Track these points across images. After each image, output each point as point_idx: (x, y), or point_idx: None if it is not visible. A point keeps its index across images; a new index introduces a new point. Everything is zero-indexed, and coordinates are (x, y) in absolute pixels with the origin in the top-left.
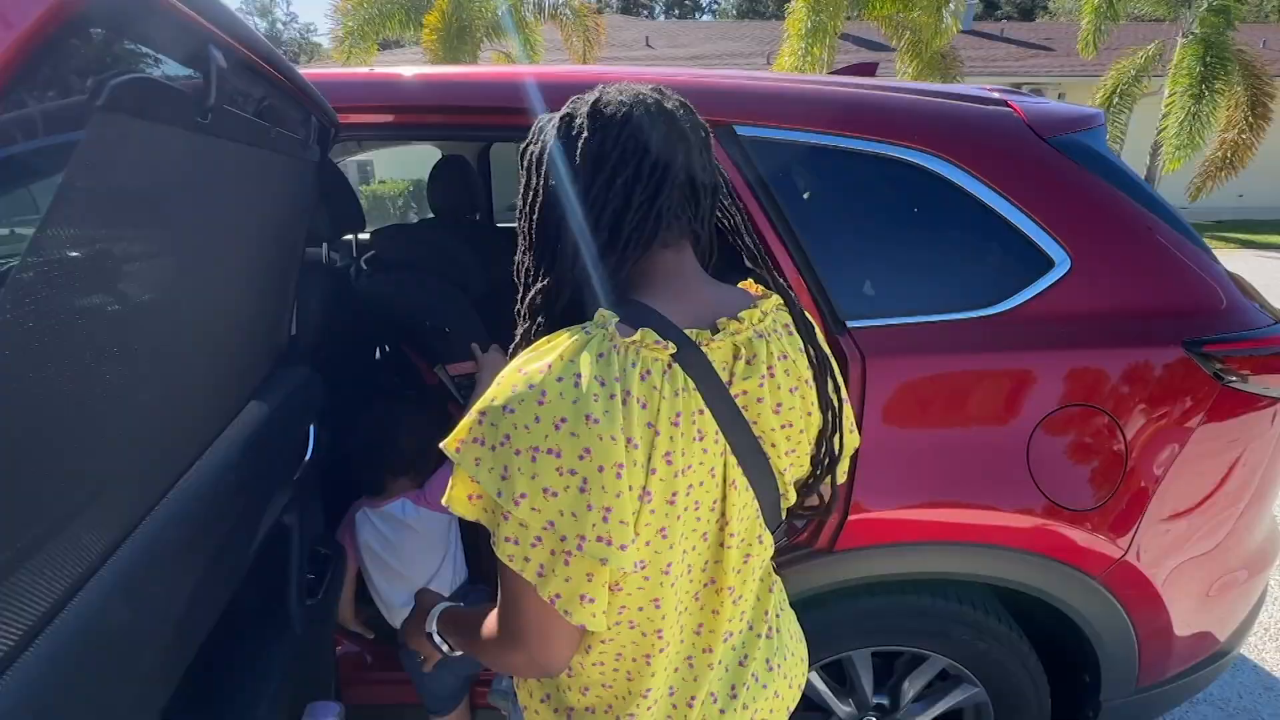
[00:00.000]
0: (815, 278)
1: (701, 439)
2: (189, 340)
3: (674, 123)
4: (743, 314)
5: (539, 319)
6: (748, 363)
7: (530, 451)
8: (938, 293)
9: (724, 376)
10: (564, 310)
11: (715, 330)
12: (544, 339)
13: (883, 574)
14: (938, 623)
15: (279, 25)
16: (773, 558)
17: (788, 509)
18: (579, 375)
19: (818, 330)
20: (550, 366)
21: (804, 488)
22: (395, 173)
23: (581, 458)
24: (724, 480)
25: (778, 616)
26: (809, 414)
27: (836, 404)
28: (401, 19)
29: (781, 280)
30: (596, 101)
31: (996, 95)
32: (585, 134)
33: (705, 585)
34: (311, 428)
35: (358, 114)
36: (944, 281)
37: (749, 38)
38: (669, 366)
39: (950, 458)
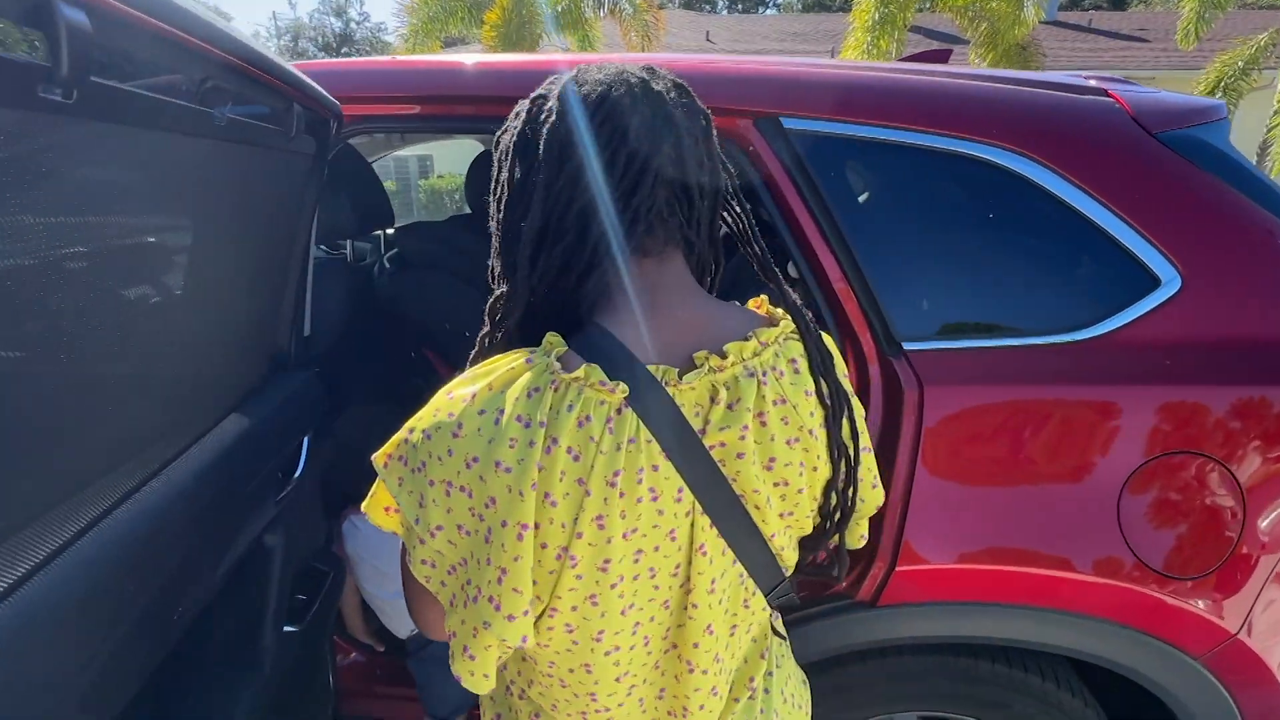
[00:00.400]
0: (868, 292)
1: (656, 499)
2: (96, 363)
3: (661, 107)
4: (729, 347)
5: (498, 331)
6: (729, 408)
7: (444, 485)
8: (1015, 313)
9: (697, 424)
10: (528, 323)
11: (695, 365)
12: (490, 360)
13: (934, 635)
14: (998, 691)
15: (352, 24)
16: (783, 613)
17: (795, 566)
18: (501, 411)
19: (838, 362)
20: (474, 396)
21: (808, 541)
22: (456, 168)
23: (488, 506)
24: (690, 544)
25: (768, 676)
26: (814, 469)
27: (853, 453)
28: (463, 16)
29: (795, 298)
30: (571, 80)
31: (1094, 84)
32: (553, 117)
33: (666, 652)
34: (306, 440)
35: (378, 105)
36: (1023, 300)
37: (813, 32)
38: (617, 412)
39: (1023, 506)
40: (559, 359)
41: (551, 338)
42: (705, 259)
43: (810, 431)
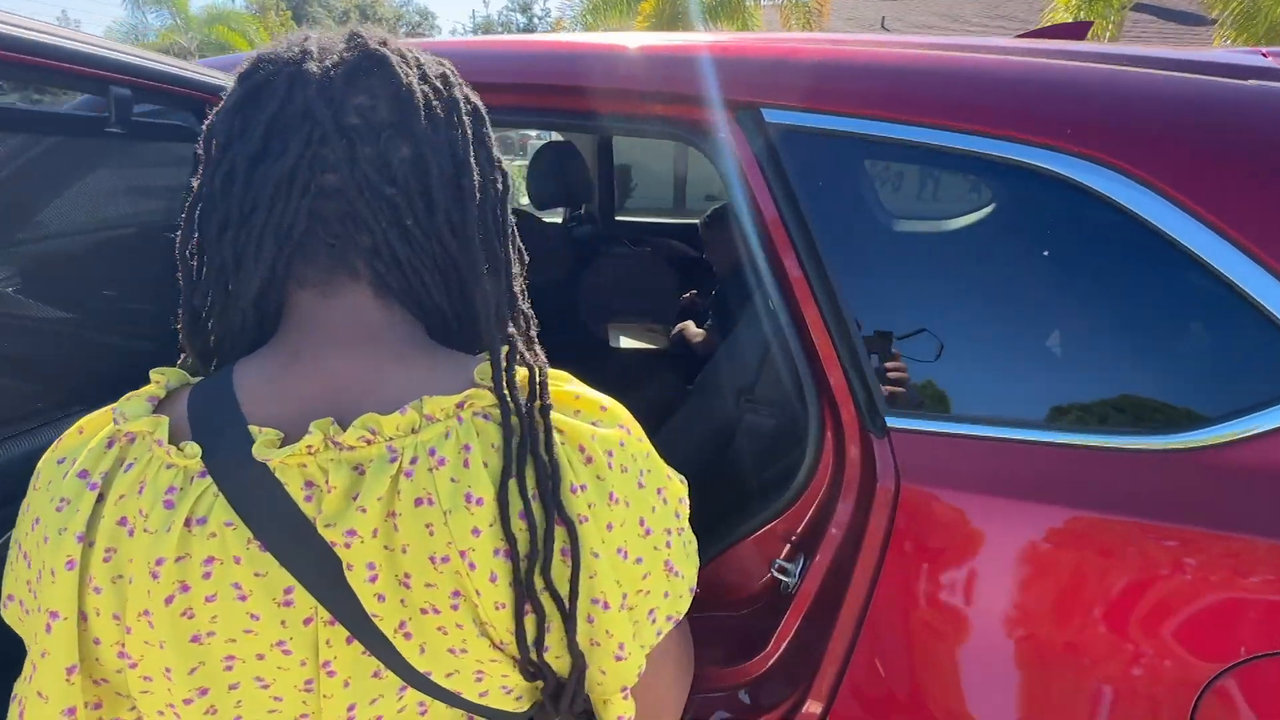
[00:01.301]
0: (849, 342)
1: (245, 599)
2: None
3: (304, 92)
4: (364, 419)
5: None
6: (352, 499)
7: (17, 544)
8: (1068, 395)
9: (311, 510)
10: (214, 357)
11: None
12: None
13: None
14: None
15: (535, 19)
16: None
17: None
18: (74, 463)
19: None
20: (61, 440)
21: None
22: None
23: (37, 581)
24: (316, 657)
25: None
26: (473, 603)
27: (566, 605)
28: (622, 8)
29: (531, 358)
30: (252, 58)
31: (1271, 63)
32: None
33: None
34: None
35: None
36: (1083, 377)
37: (1006, 16)
38: (189, 481)
39: (1030, 682)
40: (162, 403)
41: (157, 374)
42: (421, 297)
43: (463, 554)
